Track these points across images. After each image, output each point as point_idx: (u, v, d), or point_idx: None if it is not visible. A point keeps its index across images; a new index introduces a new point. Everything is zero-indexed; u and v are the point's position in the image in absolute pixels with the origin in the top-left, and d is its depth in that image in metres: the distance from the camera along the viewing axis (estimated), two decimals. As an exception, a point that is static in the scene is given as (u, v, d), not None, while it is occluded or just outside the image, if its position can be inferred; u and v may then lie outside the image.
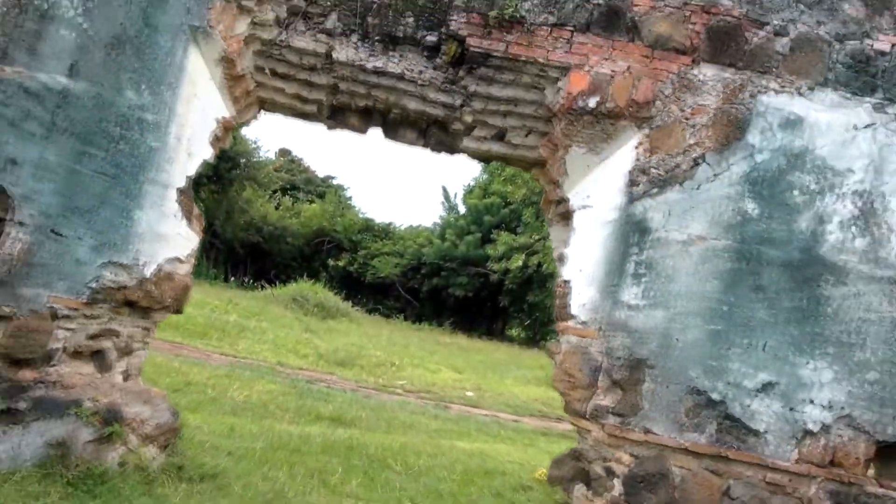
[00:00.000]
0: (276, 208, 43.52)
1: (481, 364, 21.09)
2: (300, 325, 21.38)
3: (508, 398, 15.84)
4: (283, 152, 52.33)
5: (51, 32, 6.45)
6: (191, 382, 10.82)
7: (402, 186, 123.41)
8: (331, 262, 41.94)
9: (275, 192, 45.56)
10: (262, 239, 40.35)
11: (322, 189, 50.66)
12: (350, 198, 50.99)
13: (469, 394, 15.93)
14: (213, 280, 33.03)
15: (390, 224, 45.54)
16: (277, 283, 30.90)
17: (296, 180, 50.42)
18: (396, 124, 7.19)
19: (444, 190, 56.11)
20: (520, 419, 13.68)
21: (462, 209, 41.97)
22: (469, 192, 41.23)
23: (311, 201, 47.76)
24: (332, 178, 53.83)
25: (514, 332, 38.82)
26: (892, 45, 6.63)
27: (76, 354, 6.56)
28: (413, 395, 14.64)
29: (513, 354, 26.69)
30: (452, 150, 7.33)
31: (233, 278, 35.64)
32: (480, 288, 36.70)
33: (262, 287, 30.22)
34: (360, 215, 46.27)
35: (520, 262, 33.51)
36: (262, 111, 7.41)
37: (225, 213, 37.29)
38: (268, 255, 40.89)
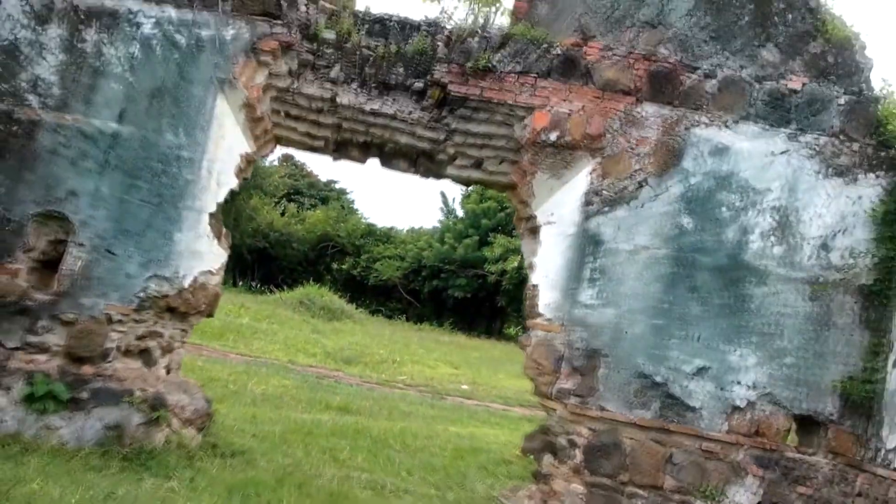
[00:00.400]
0: (282, 215, 44.66)
1: (477, 360, 22.30)
2: (308, 327, 22.62)
3: (500, 390, 17.05)
4: (286, 157, 53.46)
5: (103, 86, 7.70)
6: (214, 378, 12.03)
7: (402, 191, 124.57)
8: (335, 265, 43.07)
9: (280, 199, 46.71)
10: (268, 245, 41.52)
11: (325, 193, 51.76)
12: (353, 200, 52.15)
13: (464, 387, 17.15)
14: (224, 285, 34.14)
15: (391, 228, 46.69)
16: (285, 287, 32.05)
17: (299, 185, 51.52)
18: (391, 155, 8.41)
19: (443, 195, 57.21)
20: (509, 408, 14.89)
21: (460, 213, 43.11)
22: (467, 196, 42.39)
23: (315, 206, 48.88)
24: (335, 181, 54.96)
25: (511, 330, 39.96)
26: (803, 85, 7.85)
27: (127, 352, 7.78)
28: (413, 389, 15.87)
29: (508, 351, 27.88)
30: (438, 176, 8.55)
31: (241, 283, 36.76)
32: (478, 289, 37.81)
33: (271, 291, 31.39)
34: (363, 220, 47.43)
35: (516, 264, 34.65)
36: (278, 146, 8.65)
37: (233, 220, 38.50)
38: (274, 261, 42.06)
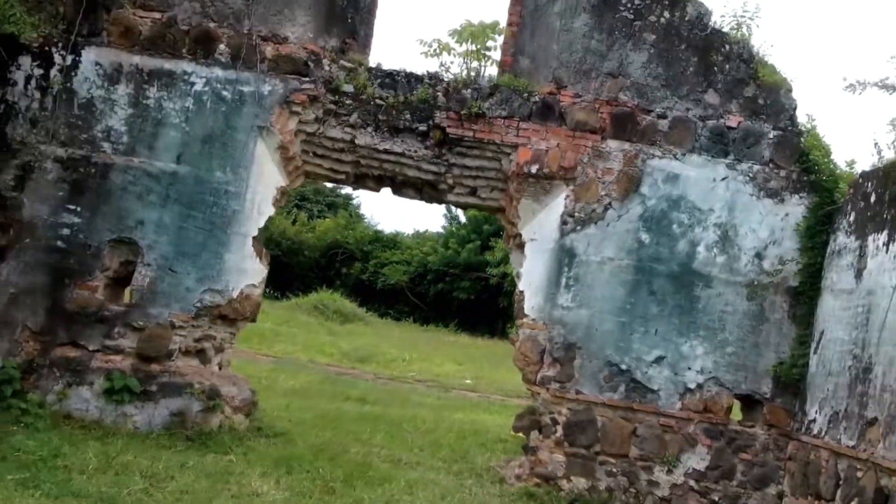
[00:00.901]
0: (293, 223, 46.06)
1: (480, 358, 23.78)
2: (323, 329, 24.17)
3: (500, 384, 18.53)
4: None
5: (163, 134, 9.25)
6: (249, 375, 13.42)
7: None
8: (344, 271, 44.44)
9: (290, 209, 48.11)
10: (281, 252, 42.84)
11: (331, 199, 53.12)
12: (359, 205, 53.46)
13: (467, 381, 18.67)
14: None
15: (397, 234, 48.09)
16: (299, 293, 33.45)
17: (306, 191, 52.84)
18: (400, 185, 9.93)
19: (447, 201, 58.48)
20: (507, 399, 16.37)
21: (462, 219, 44.49)
22: (468, 203, 43.56)
23: (322, 212, 50.23)
24: (341, 187, 56.25)
25: (513, 329, 41.18)
26: (739, 123, 9.36)
27: (187, 352, 9.31)
28: (421, 384, 17.39)
29: (509, 350, 29.07)
30: (440, 202, 10.08)
31: (257, 289, 37.97)
32: (481, 291, 39.14)
33: (287, 297, 32.87)
34: (370, 227, 48.84)
35: (516, 267, 35.99)
36: (307, 179, 10.19)
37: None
38: (287, 267, 43.43)
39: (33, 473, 6.56)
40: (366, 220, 51.22)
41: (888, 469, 7.21)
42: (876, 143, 8.67)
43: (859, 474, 7.68)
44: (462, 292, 39.40)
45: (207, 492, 7.02)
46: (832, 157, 9.41)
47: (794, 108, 9.45)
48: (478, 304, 39.70)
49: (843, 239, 8.82)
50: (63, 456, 7.27)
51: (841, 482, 7.98)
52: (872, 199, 8.37)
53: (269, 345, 18.99)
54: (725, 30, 9.59)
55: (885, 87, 7.67)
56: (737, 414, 9.47)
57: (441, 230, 46.69)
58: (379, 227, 49.21)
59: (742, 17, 9.70)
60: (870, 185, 8.50)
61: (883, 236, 8.02)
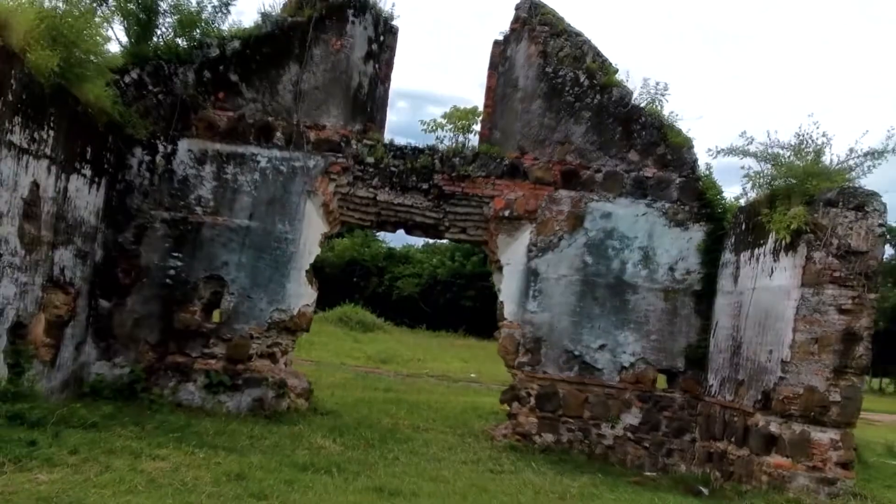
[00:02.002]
0: (315, 244, 49.22)
1: (484, 356, 26.84)
2: (349, 338, 27.32)
3: (499, 376, 21.50)
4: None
5: (239, 199, 12.41)
6: (297, 375, 16.70)
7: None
8: (362, 285, 47.47)
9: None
10: (305, 271, 45.94)
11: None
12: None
13: (472, 375, 21.75)
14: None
15: (409, 248, 51.15)
16: (326, 307, 36.48)
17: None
18: (411, 228, 13.03)
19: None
20: (503, 386, 19.37)
21: (467, 234, 47.53)
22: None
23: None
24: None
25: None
26: (654, 173, 12.47)
27: (261, 355, 12.44)
28: (433, 378, 20.49)
29: (511, 349, 32.49)
30: (440, 238, 13.20)
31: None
32: (486, 299, 42.11)
33: (315, 311, 35.89)
34: (383, 245, 51.98)
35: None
36: (343, 226, 13.34)
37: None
38: (311, 284, 46.51)
39: (180, 435, 9.68)
40: (380, 239, 54.31)
41: (748, 412, 10.32)
42: (744, 187, 11.72)
43: (735, 419, 10.78)
44: (468, 300, 42.38)
45: (290, 446, 10.12)
46: (723, 194, 12.52)
47: (694, 161, 12.56)
48: (483, 310, 42.52)
49: (727, 255, 11.93)
50: (192, 426, 10.39)
51: (725, 426, 11.08)
52: (742, 227, 11.49)
53: (307, 352, 22.10)
54: (642, 105, 12.69)
55: (732, 152, 10.72)
56: (661, 383, 12.55)
57: (448, 244, 49.80)
58: (392, 244, 52.21)
59: (654, 94, 12.80)
60: (741, 217, 11.61)
61: (748, 253, 11.14)
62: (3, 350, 9.35)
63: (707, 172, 12.59)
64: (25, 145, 9.20)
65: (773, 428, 9.77)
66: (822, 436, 9.34)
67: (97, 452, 8.11)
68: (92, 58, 10.17)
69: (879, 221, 9.37)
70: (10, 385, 9.37)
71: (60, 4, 9.77)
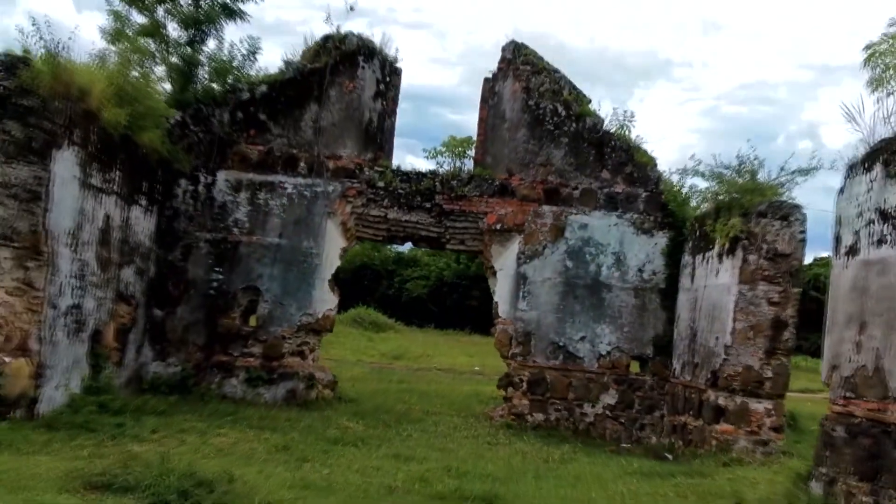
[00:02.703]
0: (327, 251, 51.13)
1: (487, 352, 28.52)
2: (363, 337, 29.19)
3: (501, 369, 23.37)
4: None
5: (270, 220, 14.27)
6: (320, 371, 18.56)
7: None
8: (374, 287, 49.28)
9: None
10: (318, 276, 47.83)
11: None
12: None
13: (476, 368, 23.59)
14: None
15: (416, 253, 52.92)
16: (340, 309, 38.31)
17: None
18: (417, 240, 14.87)
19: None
20: (504, 377, 21.34)
21: (471, 237, 49.34)
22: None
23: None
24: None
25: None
26: (623, 189, 14.31)
27: (293, 353, 14.30)
28: (441, 371, 22.35)
29: (514, 344, 34.45)
30: (443, 249, 15.06)
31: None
32: (490, 299, 43.94)
33: (331, 314, 37.84)
34: (392, 249, 53.81)
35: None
36: (358, 241, 15.20)
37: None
38: (324, 288, 48.36)
39: (231, 419, 11.54)
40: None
41: (701, 389, 12.16)
42: (695, 201, 13.54)
43: (693, 395, 12.61)
44: (473, 300, 44.12)
45: (322, 427, 11.95)
46: (684, 205, 14.30)
47: (658, 177, 14.38)
48: (487, 309, 44.27)
49: (686, 258, 13.76)
50: (238, 413, 12.25)
51: (686, 402, 12.91)
52: (697, 234, 13.32)
53: (326, 350, 23.78)
54: (612, 130, 14.53)
55: (684, 173, 12.66)
56: (634, 368, 14.36)
57: (453, 248, 51.52)
58: (399, 249, 53.99)
59: (622, 121, 14.65)
60: (696, 225, 13.44)
61: (701, 256, 12.97)
62: (87, 353, 11.26)
63: (668, 186, 14.38)
64: (100, 185, 11.10)
65: (721, 401, 11.60)
66: (758, 406, 11.16)
67: (172, 431, 10.01)
68: (149, 110, 12.04)
69: (801, 229, 11.18)
70: (93, 381, 11.28)
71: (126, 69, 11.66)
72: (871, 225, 7.59)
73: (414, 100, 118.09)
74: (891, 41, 8.09)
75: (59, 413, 10.01)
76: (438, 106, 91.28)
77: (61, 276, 10.17)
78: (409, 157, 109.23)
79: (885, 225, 7.35)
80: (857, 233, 7.85)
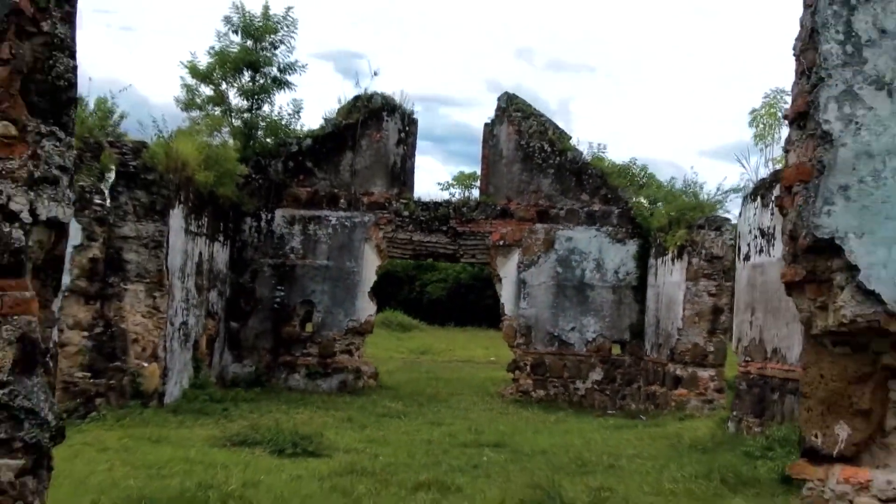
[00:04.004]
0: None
1: (500, 344, 31.55)
2: (393, 337, 32.23)
3: (511, 357, 26.43)
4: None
5: (319, 246, 17.33)
6: (361, 366, 21.60)
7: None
8: (396, 292, 52.28)
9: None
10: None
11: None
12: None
13: (492, 358, 26.53)
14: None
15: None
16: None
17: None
18: (436, 257, 17.91)
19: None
20: (515, 365, 24.30)
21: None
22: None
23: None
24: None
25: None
26: (600, 208, 17.24)
27: (342, 352, 17.32)
28: (461, 362, 25.37)
29: (526, 337, 37.49)
30: (458, 262, 18.06)
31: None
32: (503, 296, 47.01)
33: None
34: (412, 256, 56.95)
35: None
36: (389, 259, 18.21)
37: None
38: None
39: (301, 403, 14.57)
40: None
41: (664, 363, 15.10)
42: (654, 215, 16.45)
43: (659, 369, 15.54)
44: (488, 299, 46.94)
45: (371, 406, 14.93)
46: (649, 218, 17.19)
47: (628, 196, 17.31)
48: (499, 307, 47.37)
49: (651, 261, 16.69)
50: (304, 399, 15.26)
51: (655, 374, 15.85)
52: (657, 242, 16.24)
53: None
54: (589, 160, 17.48)
55: (645, 194, 15.62)
56: (616, 350, 17.29)
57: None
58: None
59: (597, 151, 17.60)
60: (656, 235, 16.36)
61: (660, 260, 15.90)
62: (191, 358, 14.35)
63: (637, 202, 17.30)
64: (195, 230, 14.19)
65: (678, 371, 14.52)
66: (704, 373, 14.08)
67: (262, 411, 13.06)
68: (227, 171, 15.12)
69: (730, 236, 14.08)
70: (196, 380, 14.38)
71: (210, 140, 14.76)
72: (756, 239, 10.52)
73: (422, 101, 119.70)
74: (768, 107, 11.03)
75: (179, 403, 13.09)
76: (447, 106, 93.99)
77: (175, 301, 13.26)
78: (420, 155, 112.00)
79: (763, 240, 10.29)
80: (749, 244, 10.78)
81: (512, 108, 17.59)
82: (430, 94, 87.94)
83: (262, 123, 17.59)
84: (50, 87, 2.94)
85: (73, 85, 3.11)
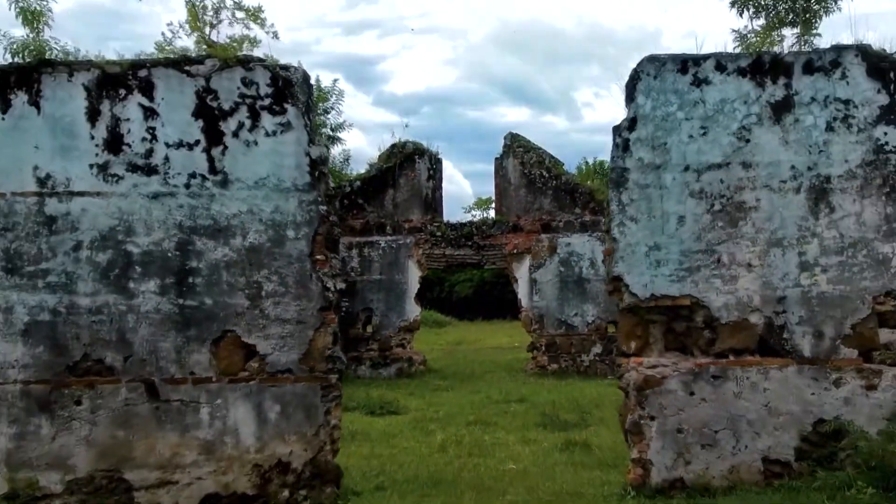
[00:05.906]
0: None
1: (523, 333, 35.42)
2: (430, 332, 36.06)
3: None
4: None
5: (373, 265, 21.27)
6: (410, 357, 25.51)
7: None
8: (427, 293, 56.08)
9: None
10: (383, 289, 54.86)
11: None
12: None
13: (516, 344, 30.31)
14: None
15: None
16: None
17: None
18: (465, 266, 21.74)
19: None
20: (536, 348, 28.08)
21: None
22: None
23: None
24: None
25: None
26: (590, 218, 21.00)
27: (397, 346, 21.21)
28: (491, 349, 29.23)
29: (545, 325, 41.23)
30: (482, 269, 21.88)
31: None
32: (523, 290, 50.67)
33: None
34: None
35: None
36: (428, 270, 22.08)
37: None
38: (389, 298, 55.35)
39: (372, 385, 18.47)
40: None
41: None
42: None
43: (643, 341, 19.32)
44: (510, 294, 50.73)
45: (424, 385, 18.74)
46: (630, 223, 20.90)
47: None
48: (522, 299, 51.04)
49: (633, 257, 20.42)
50: (372, 384, 19.17)
51: (641, 345, 19.62)
52: (636, 242, 19.97)
53: (407, 345, 30.95)
54: (577, 181, 21.25)
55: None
56: (611, 329, 21.01)
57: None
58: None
59: (584, 170, 21.31)
60: (635, 237, 20.09)
61: (639, 256, 19.64)
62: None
63: (619, 212, 21.02)
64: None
65: (656, 341, 18.28)
66: (675, 341, 17.82)
67: (347, 392, 17.00)
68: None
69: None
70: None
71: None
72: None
73: (433, 102, 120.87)
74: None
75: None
76: (459, 106, 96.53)
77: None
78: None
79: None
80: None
81: (515, 145, 21.42)
82: (442, 94, 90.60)
83: (321, 172, 21.53)
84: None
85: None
